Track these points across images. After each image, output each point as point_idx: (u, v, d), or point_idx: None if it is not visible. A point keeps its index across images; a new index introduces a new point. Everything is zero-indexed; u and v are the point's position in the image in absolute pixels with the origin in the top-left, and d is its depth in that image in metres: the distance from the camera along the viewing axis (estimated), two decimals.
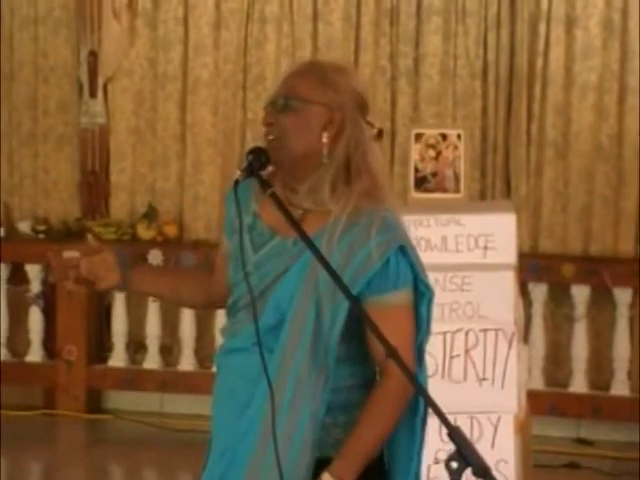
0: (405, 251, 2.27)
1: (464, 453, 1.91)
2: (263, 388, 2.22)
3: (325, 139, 2.27)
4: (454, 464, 1.93)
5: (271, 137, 2.29)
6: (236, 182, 2.27)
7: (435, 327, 2.46)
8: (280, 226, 2.30)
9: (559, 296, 6.09)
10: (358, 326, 2.26)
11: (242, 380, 2.28)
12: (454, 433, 1.93)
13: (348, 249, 2.24)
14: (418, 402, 2.28)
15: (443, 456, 2.39)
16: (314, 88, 2.28)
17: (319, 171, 2.27)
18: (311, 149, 2.28)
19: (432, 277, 2.42)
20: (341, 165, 2.28)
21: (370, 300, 2.25)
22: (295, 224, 2.20)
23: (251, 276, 2.28)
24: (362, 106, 2.33)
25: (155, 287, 2.54)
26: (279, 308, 2.26)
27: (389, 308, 2.25)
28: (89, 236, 2.61)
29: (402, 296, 2.27)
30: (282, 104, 2.28)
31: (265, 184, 2.25)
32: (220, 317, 6.28)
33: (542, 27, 6.17)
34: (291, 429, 2.23)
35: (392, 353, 1.99)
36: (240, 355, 2.29)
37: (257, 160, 2.26)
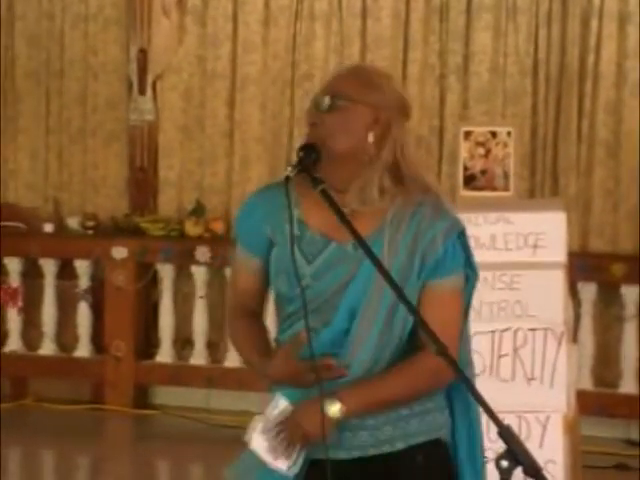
0: (464, 236, 2.32)
1: (515, 452, 1.89)
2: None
3: (371, 138, 2.27)
4: (504, 463, 1.91)
5: (315, 138, 2.27)
6: (287, 179, 2.26)
7: (483, 326, 2.49)
8: (333, 231, 2.28)
9: (609, 296, 6.03)
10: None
11: (310, 392, 2.25)
12: (505, 432, 1.91)
13: (412, 239, 2.27)
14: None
15: (491, 455, 2.36)
16: (360, 88, 2.29)
17: (367, 171, 2.27)
18: (357, 148, 2.27)
19: (481, 275, 2.42)
20: (388, 166, 2.28)
21: (429, 284, 2.28)
22: (346, 222, 2.18)
23: (309, 288, 2.26)
24: (405, 111, 2.34)
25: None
26: (352, 312, 2.26)
27: (446, 292, 2.28)
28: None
29: (457, 280, 2.31)
30: (328, 104, 2.28)
31: (316, 181, 2.23)
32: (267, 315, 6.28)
33: (594, 23, 6.11)
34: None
35: (442, 351, 1.98)
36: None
37: (308, 156, 2.25)
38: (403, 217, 2.27)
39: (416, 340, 2.30)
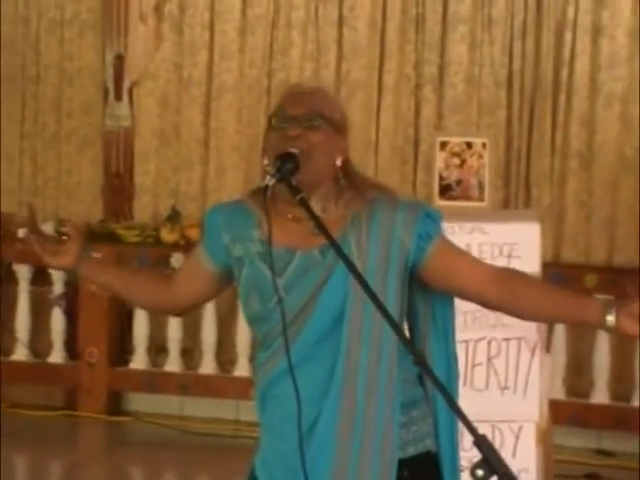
0: (430, 212, 2.40)
1: (491, 461, 1.91)
2: (330, 403, 2.27)
3: (339, 162, 2.36)
4: (480, 472, 1.92)
5: (296, 150, 2.31)
6: (265, 188, 2.28)
7: (458, 335, 2.50)
8: (297, 241, 2.33)
9: None
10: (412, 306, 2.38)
11: (302, 402, 2.26)
12: (481, 441, 1.93)
13: (381, 234, 2.32)
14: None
15: (465, 464, 2.38)
16: (333, 113, 2.37)
17: (327, 186, 2.35)
18: (327, 169, 2.35)
19: None
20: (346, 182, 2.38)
21: (429, 253, 2.34)
22: (323, 229, 2.21)
23: (282, 302, 2.29)
24: (348, 126, 2.45)
25: (107, 278, 2.57)
26: (328, 317, 2.29)
27: (446, 246, 2.36)
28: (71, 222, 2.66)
29: (442, 236, 2.38)
30: (315, 122, 2.33)
31: (295, 189, 2.26)
32: (242, 321, 6.29)
33: (568, 36, 6.16)
34: (369, 433, 2.28)
35: (420, 361, 2.00)
36: (290, 378, 2.26)
37: (286, 165, 2.28)
38: (361, 217, 2.33)
39: (420, 319, 2.40)
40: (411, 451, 2.34)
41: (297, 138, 2.31)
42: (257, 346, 2.42)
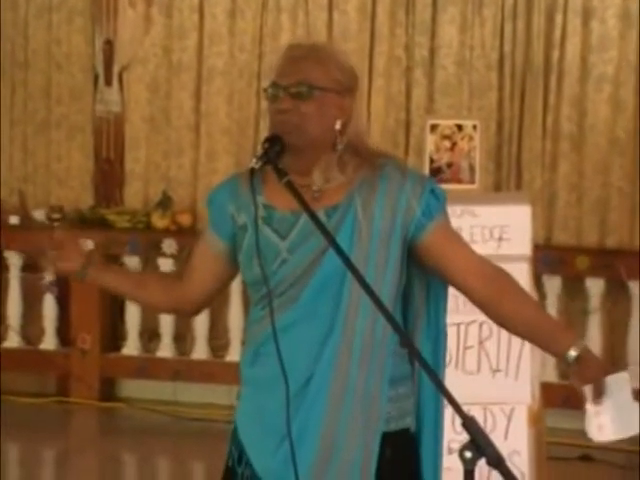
0: (434, 188, 2.37)
1: (478, 443, 1.91)
2: (324, 364, 2.27)
3: (338, 126, 2.32)
4: (468, 454, 1.92)
5: (287, 124, 2.29)
6: (252, 171, 2.27)
7: (449, 318, 2.49)
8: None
9: (573, 289, 6.07)
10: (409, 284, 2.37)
11: (296, 360, 2.27)
12: (468, 423, 1.93)
13: (387, 201, 2.31)
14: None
15: (456, 446, 2.37)
16: (329, 75, 2.32)
17: (329, 153, 2.33)
18: (326, 135, 2.32)
19: None
20: (348, 145, 2.35)
21: (428, 230, 2.32)
22: (311, 214, 2.20)
23: (286, 263, 2.30)
24: (357, 84, 2.39)
25: (116, 282, 2.52)
26: (329, 278, 2.28)
27: (445, 228, 2.35)
28: (57, 229, 2.60)
29: (444, 218, 2.36)
30: (304, 92, 2.30)
31: (281, 172, 2.26)
32: (234, 306, 6.28)
33: (559, 18, 6.15)
34: (359, 399, 2.29)
35: (406, 342, 2.00)
36: (290, 332, 2.27)
37: (273, 148, 2.27)
38: (371, 181, 2.32)
39: (411, 290, 2.39)
40: (392, 426, 2.34)
41: (288, 111, 2.30)
42: (252, 309, 2.41)
